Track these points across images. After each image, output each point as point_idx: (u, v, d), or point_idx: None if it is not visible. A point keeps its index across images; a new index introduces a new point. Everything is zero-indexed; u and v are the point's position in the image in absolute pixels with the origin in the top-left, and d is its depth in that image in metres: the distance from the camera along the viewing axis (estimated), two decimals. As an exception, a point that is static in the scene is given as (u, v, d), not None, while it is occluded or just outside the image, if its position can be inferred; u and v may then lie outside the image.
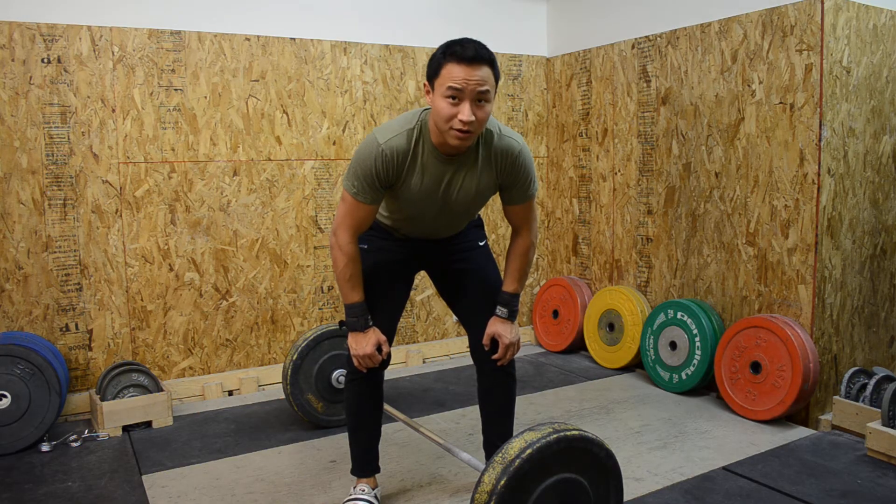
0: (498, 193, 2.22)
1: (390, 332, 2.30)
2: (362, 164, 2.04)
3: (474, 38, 1.96)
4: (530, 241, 2.26)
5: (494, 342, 2.28)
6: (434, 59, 1.95)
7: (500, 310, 2.27)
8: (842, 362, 3.11)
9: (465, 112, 1.89)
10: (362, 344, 2.16)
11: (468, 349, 4.31)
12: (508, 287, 2.28)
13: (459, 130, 1.92)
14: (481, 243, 2.41)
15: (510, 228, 2.33)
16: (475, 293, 2.35)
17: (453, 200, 2.14)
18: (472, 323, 2.34)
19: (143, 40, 3.24)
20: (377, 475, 2.42)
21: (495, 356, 2.27)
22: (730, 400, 3.14)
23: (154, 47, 3.26)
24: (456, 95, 1.90)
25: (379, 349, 2.20)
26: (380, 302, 2.27)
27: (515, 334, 2.26)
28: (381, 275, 2.29)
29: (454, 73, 1.89)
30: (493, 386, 2.36)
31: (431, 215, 2.20)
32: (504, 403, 2.38)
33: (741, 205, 3.26)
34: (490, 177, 2.12)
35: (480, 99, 1.92)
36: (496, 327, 2.26)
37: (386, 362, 2.28)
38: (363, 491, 2.32)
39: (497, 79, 1.98)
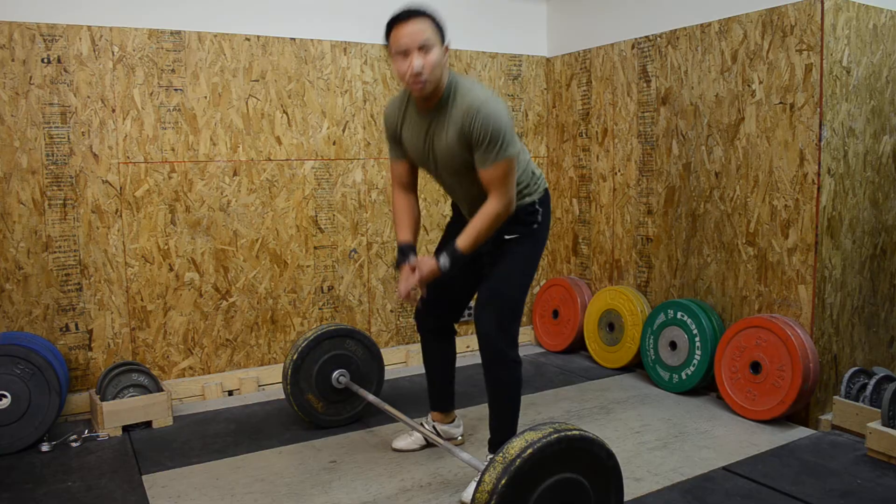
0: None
1: (441, 304, 2.59)
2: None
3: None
4: (497, 208, 2.23)
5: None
6: (385, 36, 2.23)
7: (441, 254, 2.32)
8: (842, 362, 3.11)
9: (412, 62, 2.14)
10: (401, 280, 2.39)
11: (467, 349, 4.33)
12: (458, 240, 2.28)
13: (413, 80, 2.16)
14: (508, 237, 2.39)
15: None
16: (483, 290, 2.43)
17: (436, 154, 2.32)
18: (475, 315, 2.42)
19: (143, 40, 3.24)
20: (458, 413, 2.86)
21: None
22: (730, 400, 3.14)
23: (154, 47, 3.26)
24: (404, 53, 2.16)
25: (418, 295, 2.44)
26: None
27: (427, 270, 2.30)
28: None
29: (397, 36, 2.17)
30: (486, 374, 2.41)
31: (438, 174, 2.42)
32: (493, 395, 2.42)
33: (741, 205, 3.26)
34: (458, 132, 2.22)
35: (424, 48, 2.15)
36: (420, 259, 2.33)
37: (432, 310, 2.62)
38: (426, 421, 2.81)
39: (440, 29, 2.20)
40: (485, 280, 2.43)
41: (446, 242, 2.50)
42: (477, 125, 2.16)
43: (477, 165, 2.22)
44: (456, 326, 2.78)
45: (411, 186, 2.53)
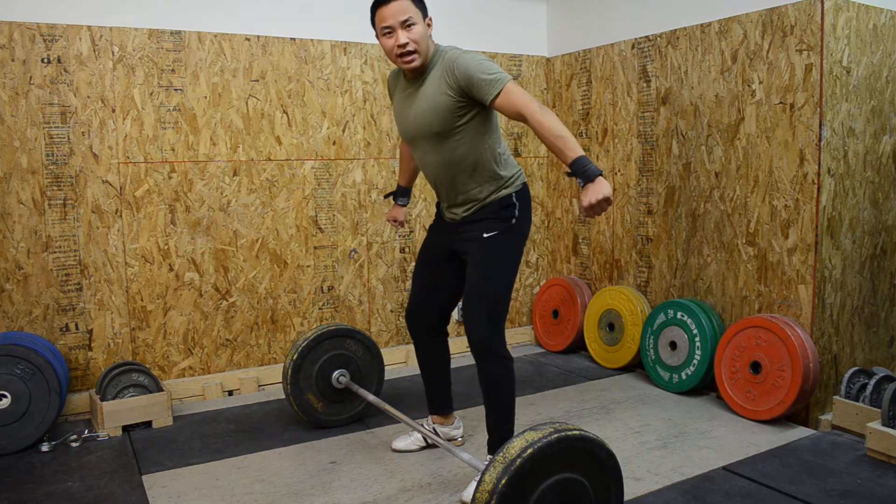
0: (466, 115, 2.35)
1: (427, 304, 2.68)
2: None
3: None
4: (537, 119, 2.15)
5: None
6: (370, 16, 2.36)
7: (578, 180, 2.12)
8: (842, 362, 3.11)
9: (398, 38, 2.29)
10: (391, 211, 2.94)
11: (466, 350, 4.32)
12: (563, 160, 2.15)
13: (400, 54, 2.31)
14: (486, 234, 2.41)
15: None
16: (467, 289, 2.46)
17: (415, 116, 2.42)
18: (464, 317, 2.45)
19: (143, 40, 3.24)
20: (458, 415, 2.91)
21: (580, 213, 2.42)
22: (730, 400, 3.14)
23: (154, 47, 3.26)
24: (388, 31, 2.31)
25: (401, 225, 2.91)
26: (418, 275, 2.69)
27: (593, 195, 2.05)
28: (423, 252, 2.70)
29: (381, 15, 2.31)
30: (479, 374, 2.42)
31: (414, 141, 2.50)
32: (487, 393, 2.43)
33: (741, 205, 3.26)
34: (442, 85, 2.33)
35: (407, 25, 2.29)
36: (590, 187, 2.09)
37: (421, 312, 2.70)
38: (426, 422, 2.82)
39: (422, 5, 2.35)
40: (469, 281, 2.45)
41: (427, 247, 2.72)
42: (460, 70, 2.26)
43: (488, 102, 2.23)
44: (448, 328, 2.79)
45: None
